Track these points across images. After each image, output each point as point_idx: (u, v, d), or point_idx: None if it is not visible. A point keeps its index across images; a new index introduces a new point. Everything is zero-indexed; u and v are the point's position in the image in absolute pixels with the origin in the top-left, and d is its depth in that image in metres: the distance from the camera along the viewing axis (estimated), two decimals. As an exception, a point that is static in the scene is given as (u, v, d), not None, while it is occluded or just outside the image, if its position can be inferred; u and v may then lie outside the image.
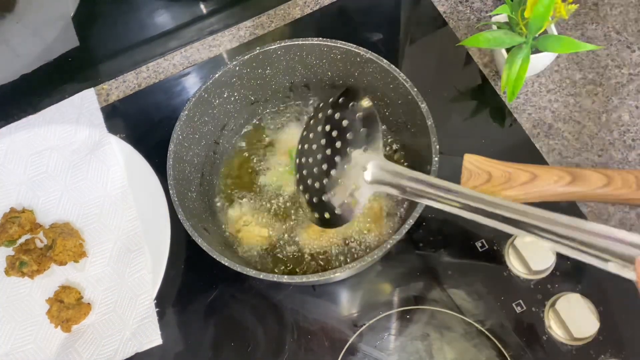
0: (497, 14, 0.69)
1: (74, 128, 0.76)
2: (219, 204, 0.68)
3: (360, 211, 0.53)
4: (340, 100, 0.57)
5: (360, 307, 0.65)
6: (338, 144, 0.55)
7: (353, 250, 0.64)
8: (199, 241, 0.56)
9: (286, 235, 0.65)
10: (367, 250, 0.64)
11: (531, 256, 0.63)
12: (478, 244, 0.66)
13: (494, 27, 0.71)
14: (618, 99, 0.73)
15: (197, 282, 0.68)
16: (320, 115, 0.59)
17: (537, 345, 0.61)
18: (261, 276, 0.54)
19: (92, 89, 0.80)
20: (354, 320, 0.65)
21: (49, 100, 0.80)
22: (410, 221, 0.54)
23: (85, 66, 0.86)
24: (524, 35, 0.67)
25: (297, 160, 0.60)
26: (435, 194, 0.47)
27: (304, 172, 0.58)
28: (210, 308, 0.67)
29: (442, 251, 0.67)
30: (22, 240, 0.71)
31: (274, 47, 0.64)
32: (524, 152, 0.71)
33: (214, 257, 0.55)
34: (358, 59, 0.63)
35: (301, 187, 0.58)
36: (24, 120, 0.78)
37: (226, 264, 0.55)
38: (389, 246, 0.54)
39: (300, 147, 0.60)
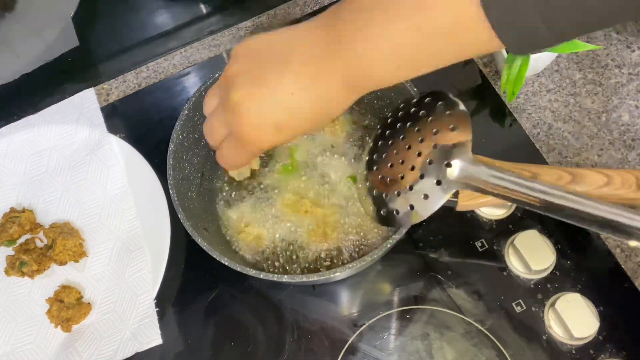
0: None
1: (74, 128, 0.76)
2: (219, 205, 0.68)
3: (430, 212, 0.50)
4: (426, 100, 0.55)
5: (360, 307, 0.65)
6: (420, 140, 0.53)
7: (353, 250, 0.64)
8: (199, 241, 0.56)
9: (286, 235, 0.65)
10: (367, 249, 0.64)
11: (531, 256, 0.63)
12: (478, 244, 0.66)
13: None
14: (618, 98, 0.73)
15: (197, 282, 0.68)
16: (400, 113, 0.57)
17: (537, 345, 0.61)
18: (261, 276, 0.54)
19: (92, 88, 0.80)
20: (353, 320, 0.65)
21: (49, 100, 0.80)
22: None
23: (85, 66, 0.86)
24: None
25: (368, 157, 0.58)
26: (539, 199, 0.44)
27: (374, 167, 0.56)
28: (210, 308, 0.67)
29: (442, 251, 0.67)
30: (22, 240, 0.71)
31: None
32: (524, 152, 0.71)
33: (214, 257, 0.55)
34: None
35: (368, 184, 0.56)
36: (24, 120, 0.78)
37: (226, 263, 0.55)
38: (389, 246, 0.54)
39: (372, 144, 0.58)
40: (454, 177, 0.49)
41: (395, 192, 0.53)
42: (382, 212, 0.54)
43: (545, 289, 0.63)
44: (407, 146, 0.54)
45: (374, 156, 0.58)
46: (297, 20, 0.84)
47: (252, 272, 0.55)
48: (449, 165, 0.49)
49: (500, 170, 0.47)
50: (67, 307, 0.65)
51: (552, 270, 0.64)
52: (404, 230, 0.54)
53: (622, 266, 0.64)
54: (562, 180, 0.49)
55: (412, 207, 0.50)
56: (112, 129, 0.76)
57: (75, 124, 0.77)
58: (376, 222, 0.55)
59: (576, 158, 0.71)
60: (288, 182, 0.68)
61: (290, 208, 0.66)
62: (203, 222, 0.62)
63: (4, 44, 0.89)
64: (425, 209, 0.50)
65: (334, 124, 0.69)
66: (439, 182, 0.49)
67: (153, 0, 0.90)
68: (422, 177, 0.51)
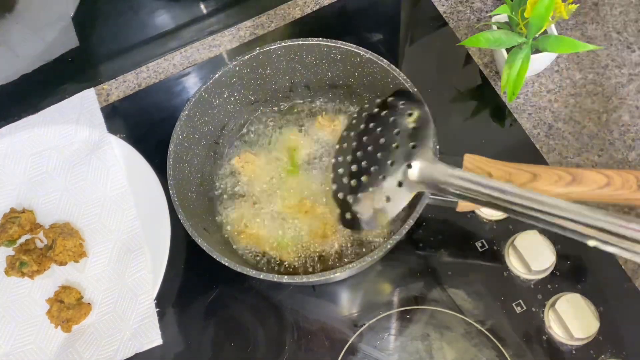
0: (497, 14, 0.70)
1: (74, 128, 0.76)
2: (219, 205, 0.68)
3: (394, 215, 0.50)
4: (390, 99, 0.56)
5: (361, 307, 0.65)
6: (382, 141, 0.53)
7: (353, 250, 0.64)
8: (199, 241, 0.56)
9: (287, 235, 0.65)
10: (367, 250, 0.64)
11: (531, 256, 0.63)
12: (478, 244, 0.66)
13: (494, 27, 0.71)
14: (618, 99, 0.73)
15: (197, 282, 0.68)
16: (364, 114, 0.57)
17: (537, 345, 0.61)
18: (261, 276, 0.54)
19: (92, 89, 0.80)
20: (354, 320, 0.65)
21: (49, 100, 0.80)
22: (411, 221, 0.54)
23: (85, 66, 0.86)
24: (524, 35, 0.67)
25: (334, 160, 0.58)
26: (498, 198, 0.44)
27: (340, 170, 0.57)
28: (210, 308, 0.67)
29: (442, 251, 0.67)
30: (22, 240, 0.71)
31: (274, 47, 0.64)
32: (524, 152, 0.71)
33: (214, 257, 0.55)
34: (358, 59, 0.63)
35: (334, 187, 0.57)
36: (24, 120, 0.78)
37: (226, 264, 0.55)
38: (389, 246, 0.54)
39: (338, 146, 0.59)
40: (414, 178, 0.49)
41: (359, 195, 0.52)
42: (346, 216, 0.53)
43: (545, 289, 0.63)
44: (369, 147, 0.54)
45: (339, 158, 0.57)
46: (299, 20, 0.84)
47: (252, 272, 0.55)
48: (409, 166, 0.49)
49: (461, 171, 0.47)
50: (67, 308, 0.65)
51: (552, 270, 0.64)
52: (403, 231, 0.54)
53: (622, 266, 0.64)
54: (562, 180, 0.49)
55: (376, 209, 0.50)
56: (112, 129, 0.76)
57: (75, 124, 0.77)
58: (342, 226, 0.55)
59: (576, 158, 0.71)
60: (288, 182, 0.68)
61: (290, 208, 0.66)
62: (203, 223, 0.62)
63: (4, 44, 0.89)
64: (389, 211, 0.50)
65: (333, 123, 0.69)
66: (400, 184, 0.49)
67: (153, 0, 0.90)
68: (384, 178, 0.50)
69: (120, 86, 0.83)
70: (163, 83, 0.82)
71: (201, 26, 0.87)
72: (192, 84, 0.82)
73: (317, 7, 0.85)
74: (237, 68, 0.64)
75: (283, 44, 0.64)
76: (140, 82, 0.83)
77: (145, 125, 0.79)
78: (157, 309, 0.66)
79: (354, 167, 0.55)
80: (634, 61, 0.75)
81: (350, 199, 0.54)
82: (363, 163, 0.54)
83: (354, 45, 0.62)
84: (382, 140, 0.53)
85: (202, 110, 0.64)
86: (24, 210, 0.72)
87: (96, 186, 0.73)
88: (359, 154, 0.55)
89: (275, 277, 0.55)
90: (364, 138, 0.55)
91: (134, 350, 0.64)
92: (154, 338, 0.64)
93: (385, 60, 0.61)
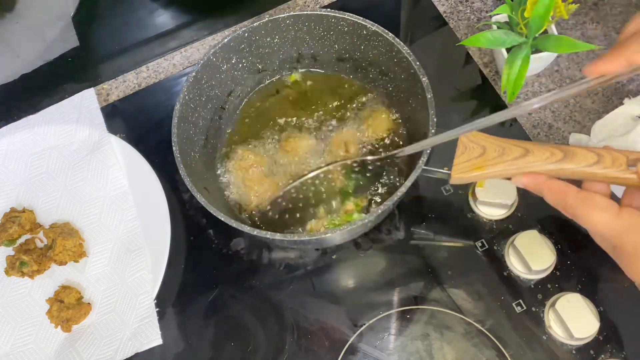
0: (497, 14, 0.69)
1: (74, 128, 0.76)
2: (220, 169, 0.69)
3: None
4: None
5: (360, 307, 0.65)
6: None
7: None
8: (198, 197, 0.57)
9: (287, 203, 0.66)
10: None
11: (531, 256, 0.63)
12: (478, 244, 0.66)
13: (494, 27, 0.71)
14: (618, 98, 0.73)
15: (197, 281, 0.68)
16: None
17: (537, 345, 0.61)
18: (255, 232, 0.55)
19: (92, 88, 0.80)
20: (354, 320, 0.65)
21: (49, 100, 0.80)
22: (403, 189, 0.55)
23: (85, 66, 0.86)
24: (524, 35, 0.67)
25: None
26: None
27: None
28: (210, 308, 0.67)
29: (442, 251, 0.67)
30: (22, 240, 0.71)
31: (282, 16, 0.65)
32: (524, 152, 0.71)
33: (212, 212, 0.56)
34: (364, 32, 0.65)
35: None
36: (24, 120, 0.78)
37: (222, 219, 0.56)
38: (379, 211, 0.56)
39: None
40: None
41: None
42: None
43: (546, 289, 0.63)
44: None
45: None
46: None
47: (246, 229, 0.56)
48: None
49: None
50: (67, 307, 0.65)
51: (552, 270, 0.64)
52: (395, 198, 0.55)
53: (622, 266, 0.64)
54: (553, 157, 0.49)
55: None
56: (112, 129, 0.76)
57: (75, 124, 0.77)
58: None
59: (576, 158, 0.71)
60: (291, 152, 0.69)
61: (290, 179, 0.67)
62: (204, 182, 0.63)
63: (4, 44, 0.89)
64: None
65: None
66: None
67: (153, 0, 0.90)
68: None
69: (120, 86, 0.83)
70: (163, 83, 0.82)
71: (201, 26, 0.87)
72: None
73: (317, 6, 0.85)
74: (246, 34, 0.65)
75: (292, 14, 0.65)
76: (140, 81, 0.83)
77: (145, 125, 0.79)
78: (157, 309, 0.66)
79: None
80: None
81: None
82: None
83: (361, 18, 0.64)
84: None
85: (209, 74, 0.65)
86: (24, 209, 0.72)
87: (96, 186, 0.73)
88: None
89: (268, 234, 0.56)
90: None
91: (134, 350, 0.64)
92: (153, 338, 0.64)
93: (390, 33, 0.62)
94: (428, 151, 0.55)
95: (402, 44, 0.61)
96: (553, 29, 0.70)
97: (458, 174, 0.52)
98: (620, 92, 0.74)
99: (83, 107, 0.78)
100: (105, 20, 0.90)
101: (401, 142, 0.68)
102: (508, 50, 0.69)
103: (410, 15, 0.84)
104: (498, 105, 0.75)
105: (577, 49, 0.65)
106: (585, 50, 0.65)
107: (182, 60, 0.84)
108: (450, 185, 0.60)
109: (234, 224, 0.55)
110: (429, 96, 0.59)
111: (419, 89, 0.60)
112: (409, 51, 0.61)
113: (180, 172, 0.58)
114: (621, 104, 0.69)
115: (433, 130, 0.57)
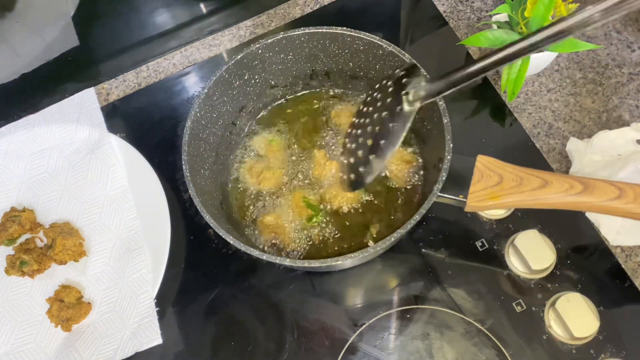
0: (498, 14, 0.69)
1: (74, 127, 0.76)
2: (230, 185, 0.69)
3: (399, 139, 0.50)
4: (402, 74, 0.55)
5: (361, 307, 0.65)
6: (379, 103, 0.53)
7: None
8: (207, 218, 0.56)
9: (295, 225, 0.66)
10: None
11: (531, 255, 0.63)
12: (478, 244, 0.66)
13: (494, 26, 0.71)
14: (618, 98, 0.73)
15: (197, 281, 0.68)
16: (377, 86, 0.58)
17: (537, 345, 0.61)
18: (264, 257, 0.55)
19: (92, 88, 0.80)
20: (354, 319, 0.65)
21: (49, 99, 0.80)
22: (417, 216, 0.54)
23: (85, 65, 0.86)
24: (524, 34, 0.67)
25: (347, 138, 0.58)
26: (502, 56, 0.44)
27: (348, 142, 0.57)
28: (210, 308, 0.67)
29: (442, 251, 0.67)
30: (22, 239, 0.71)
31: (297, 33, 0.64)
32: (524, 151, 0.71)
33: (220, 234, 0.55)
34: (380, 52, 0.64)
35: (343, 158, 0.57)
36: (24, 119, 0.78)
37: (231, 242, 0.55)
38: (392, 239, 0.54)
39: (350, 125, 0.59)
40: (412, 98, 0.49)
41: (359, 153, 0.52)
42: (351, 177, 0.53)
43: (546, 288, 0.63)
44: (371, 108, 0.54)
45: (351, 132, 0.58)
46: (299, 20, 0.84)
47: (255, 253, 0.55)
48: (406, 94, 0.49)
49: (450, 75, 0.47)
50: (67, 307, 0.65)
51: (552, 270, 0.64)
52: (409, 226, 0.53)
53: (622, 266, 0.64)
54: (572, 189, 0.48)
55: (374, 151, 0.50)
56: (112, 128, 0.76)
57: (76, 124, 0.77)
58: (348, 190, 0.55)
59: (576, 158, 0.71)
60: (302, 171, 0.68)
61: (303, 194, 0.67)
62: (214, 201, 0.62)
63: (4, 43, 0.89)
64: (388, 146, 0.49)
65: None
66: (400, 109, 0.48)
67: (153, 0, 0.90)
68: (379, 130, 0.50)
69: (120, 85, 0.83)
70: (163, 82, 0.82)
71: (201, 25, 0.87)
72: (192, 83, 0.82)
73: (318, 6, 0.85)
74: (260, 51, 0.65)
75: (307, 31, 0.64)
76: (140, 81, 0.83)
77: (145, 124, 0.79)
78: (157, 308, 0.66)
79: (358, 135, 0.55)
80: (634, 60, 0.75)
81: (353, 159, 0.54)
82: (368, 128, 0.54)
83: (377, 37, 0.63)
84: (379, 103, 0.53)
85: (221, 90, 0.65)
86: (24, 209, 0.72)
87: (96, 185, 0.73)
88: (362, 120, 0.55)
89: (278, 259, 0.55)
90: (366, 108, 0.55)
91: (134, 350, 0.64)
92: (153, 337, 0.64)
93: (407, 55, 0.61)
94: (443, 178, 0.54)
95: (419, 65, 0.59)
96: (553, 29, 0.70)
97: (474, 202, 0.51)
98: (620, 92, 0.74)
99: (83, 106, 0.78)
100: (105, 19, 0.90)
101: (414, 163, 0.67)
102: (508, 49, 0.69)
103: (410, 15, 0.84)
104: (498, 104, 0.75)
105: (577, 49, 0.65)
106: (585, 49, 0.65)
107: (182, 59, 0.84)
108: (457, 212, 0.59)
109: (243, 247, 0.55)
110: (446, 120, 0.57)
111: (435, 112, 0.59)
112: (426, 74, 0.60)
113: (190, 191, 0.57)
114: (625, 125, 0.69)
115: (449, 157, 0.55)
